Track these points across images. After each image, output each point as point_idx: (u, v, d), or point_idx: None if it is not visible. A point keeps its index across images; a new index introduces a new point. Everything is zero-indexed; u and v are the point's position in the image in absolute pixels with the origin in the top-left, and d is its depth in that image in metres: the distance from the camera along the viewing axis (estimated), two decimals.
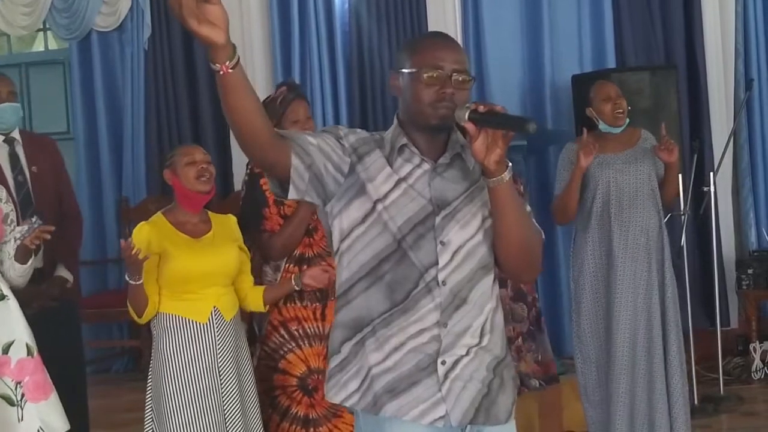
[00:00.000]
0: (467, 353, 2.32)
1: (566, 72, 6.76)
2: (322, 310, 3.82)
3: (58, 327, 4.09)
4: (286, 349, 3.82)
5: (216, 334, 3.72)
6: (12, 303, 3.85)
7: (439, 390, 2.30)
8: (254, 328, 4.11)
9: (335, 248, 2.37)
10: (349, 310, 2.36)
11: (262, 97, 8.14)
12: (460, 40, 7.09)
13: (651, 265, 4.60)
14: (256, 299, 3.85)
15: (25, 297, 3.92)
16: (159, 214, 3.83)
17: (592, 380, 4.70)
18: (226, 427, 3.70)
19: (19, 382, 3.78)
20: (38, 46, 8.63)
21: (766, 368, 6.49)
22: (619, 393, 4.55)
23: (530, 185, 6.58)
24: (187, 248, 3.72)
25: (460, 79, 2.32)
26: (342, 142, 2.33)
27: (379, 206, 2.30)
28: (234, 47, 2.09)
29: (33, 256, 3.93)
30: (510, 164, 2.30)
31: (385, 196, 2.31)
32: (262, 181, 3.79)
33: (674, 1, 6.87)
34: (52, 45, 8.46)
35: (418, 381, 2.30)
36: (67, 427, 3.89)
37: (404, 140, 2.35)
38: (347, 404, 2.37)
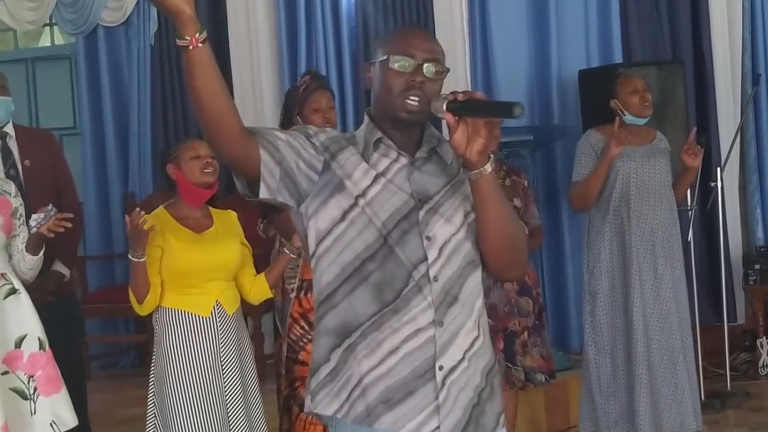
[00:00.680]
0: (463, 358, 2.22)
1: (573, 67, 6.74)
2: None
3: (57, 323, 4.08)
4: (306, 340, 3.83)
5: (218, 328, 3.73)
6: (24, 297, 3.88)
7: (436, 398, 2.19)
8: (277, 325, 4.11)
9: (312, 251, 2.24)
10: (334, 315, 2.22)
11: (268, 95, 8.09)
12: (466, 35, 7.12)
13: (665, 260, 4.66)
14: (261, 286, 3.87)
15: None
16: (161, 208, 3.83)
17: (606, 372, 4.72)
18: (229, 421, 3.71)
19: (32, 376, 3.82)
20: (44, 42, 8.63)
21: None
22: (642, 383, 4.59)
23: (537, 180, 6.57)
24: (191, 242, 3.73)
25: (433, 68, 2.22)
26: (312, 140, 2.23)
27: (361, 202, 2.19)
28: (201, 24, 2.03)
29: (43, 248, 3.94)
30: (492, 156, 2.17)
31: (365, 192, 2.19)
32: None
33: None
34: (59, 40, 8.46)
35: (414, 390, 2.18)
36: (77, 421, 3.91)
37: (379, 134, 2.25)
38: (339, 415, 2.22)
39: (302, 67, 7.24)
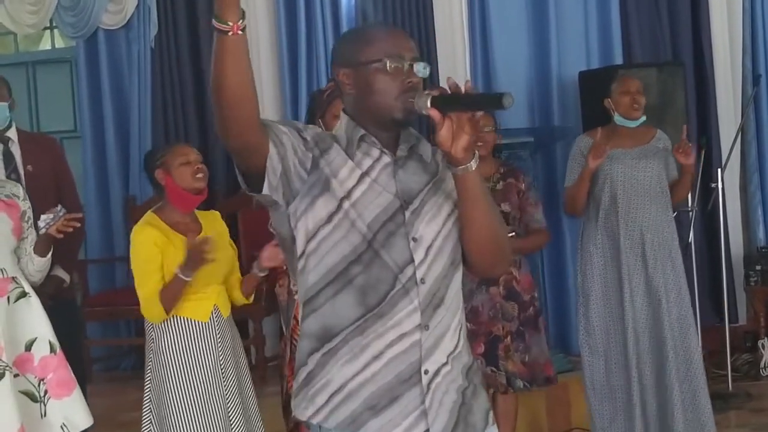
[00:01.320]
0: (447, 362, 2.19)
1: (573, 68, 6.74)
2: None
3: (56, 328, 4.08)
4: None
5: (216, 333, 3.74)
6: (34, 300, 3.89)
7: (423, 402, 2.15)
8: (282, 327, 4.11)
9: (301, 250, 2.18)
10: (316, 318, 2.17)
11: (268, 95, 8.09)
12: (466, 37, 7.13)
13: (656, 261, 4.65)
14: (239, 292, 3.90)
15: None
16: (151, 214, 3.80)
17: (600, 373, 4.72)
18: (231, 425, 3.71)
19: (42, 379, 3.83)
20: (45, 45, 8.62)
21: None
22: (635, 384, 4.60)
23: (537, 181, 6.57)
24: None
25: (422, 67, 2.19)
26: (303, 135, 2.18)
27: (346, 204, 2.14)
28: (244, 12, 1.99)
29: (51, 249, 3.95)
30: (477, 152, 2.15)
31: (350, 193, 2.15)
32: None
33: None
34: (59, 43, 8.46)
35: (400, 395, 2.15)
36: (91, 421, 3.92)
37: (361, 131, 2.20)
38: (314, 421, 2.19)
39: (302, 67, 7.25)
